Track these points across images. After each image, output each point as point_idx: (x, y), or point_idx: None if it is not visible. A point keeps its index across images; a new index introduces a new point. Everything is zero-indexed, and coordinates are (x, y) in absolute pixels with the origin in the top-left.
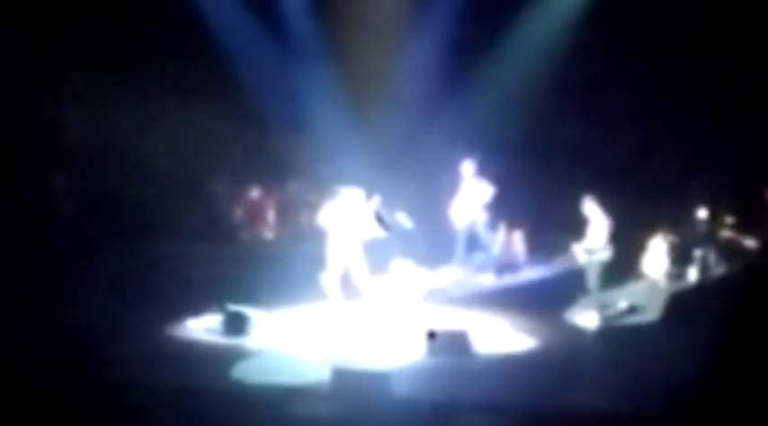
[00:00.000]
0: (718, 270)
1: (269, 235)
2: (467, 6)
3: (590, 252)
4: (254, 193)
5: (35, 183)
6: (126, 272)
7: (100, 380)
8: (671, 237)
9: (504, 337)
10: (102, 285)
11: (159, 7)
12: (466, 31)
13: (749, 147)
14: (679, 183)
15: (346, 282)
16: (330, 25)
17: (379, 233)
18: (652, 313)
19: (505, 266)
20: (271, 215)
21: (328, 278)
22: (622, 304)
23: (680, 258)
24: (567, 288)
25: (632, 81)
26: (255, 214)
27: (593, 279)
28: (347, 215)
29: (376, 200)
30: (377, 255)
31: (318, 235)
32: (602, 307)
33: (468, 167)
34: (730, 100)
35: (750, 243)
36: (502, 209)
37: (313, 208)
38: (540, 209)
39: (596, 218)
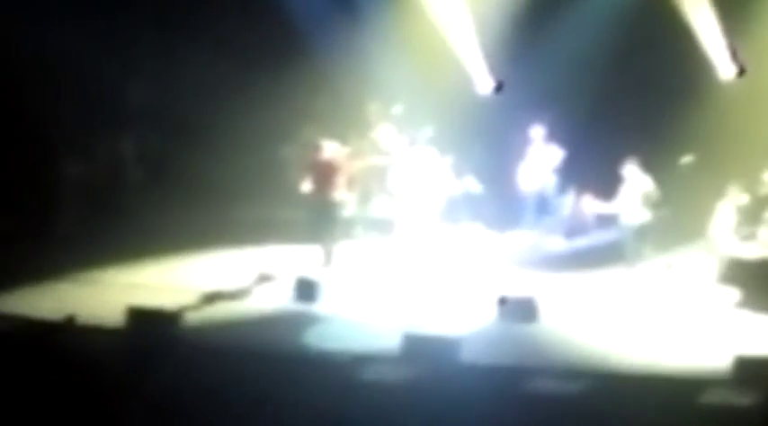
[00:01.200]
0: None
1: (338, 197)
2: None
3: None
4: (323, 156)
5: (108, 149)
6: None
7: (173, 345)
8: (740, 198)
9: (572, 301)
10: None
11: None
12: None
13: None
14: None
15: (418, 243)
16: None
17: (455, 190)
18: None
19: (575, 229)
20: (341, 178)
21: (399, 239)
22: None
23: (749, 219)
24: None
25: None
26: (325, 177)
27: (629, 240)
28: (420, 174)
29: (449, 160)
30: (446, 218)
31: (387, 198)
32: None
33: (537, 131)
34: None
35: None
36: (571, 173)
37: (381, 171)
38: (609, 172)
39: (635, 182)
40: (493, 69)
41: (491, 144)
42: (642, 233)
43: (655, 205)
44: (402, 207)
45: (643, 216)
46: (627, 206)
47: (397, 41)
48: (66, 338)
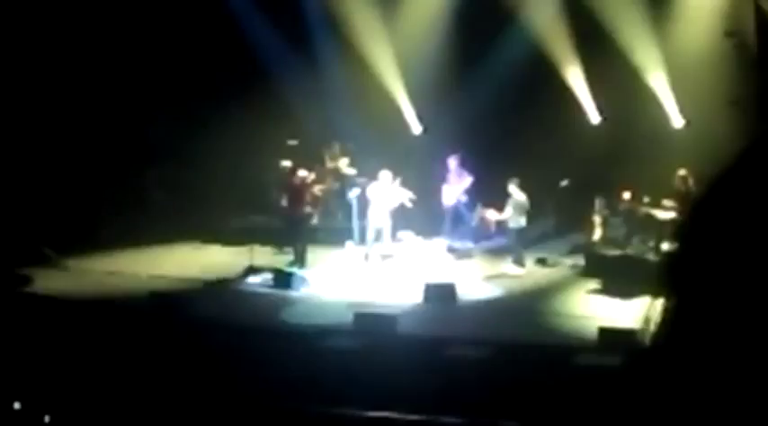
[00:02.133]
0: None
1: (307, 211)
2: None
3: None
4: (296, 180)
5: (134, 175)
6: None
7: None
8: (603, 211)
9: (481, 287)
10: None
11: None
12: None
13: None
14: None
15: (376, 244)
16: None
17: (408, 203)
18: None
19: (480, 235)
20: (308, 197)
21: (353, 243)
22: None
23: (610, 226)
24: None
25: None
26: (297, 196)
27: (513, 242)
28: (383, 192)
29: (397, 181)
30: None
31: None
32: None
33: (452, 161)
34: None
35: (664, 216)
36: (479, 192)
37: (339, 192)
38: (505, 193)
39: (514, 197)
40: (421, 115)
41: (421, 170)
42: (521, 235)
43: (528, 213)
44: (366, 219)
45: (521, 222)
46: (510, 214)
47: (349, 91)
48: None
